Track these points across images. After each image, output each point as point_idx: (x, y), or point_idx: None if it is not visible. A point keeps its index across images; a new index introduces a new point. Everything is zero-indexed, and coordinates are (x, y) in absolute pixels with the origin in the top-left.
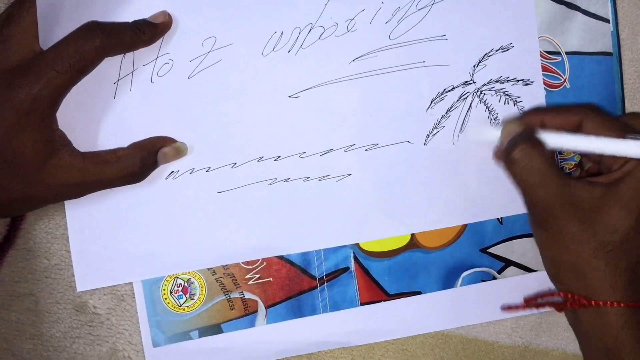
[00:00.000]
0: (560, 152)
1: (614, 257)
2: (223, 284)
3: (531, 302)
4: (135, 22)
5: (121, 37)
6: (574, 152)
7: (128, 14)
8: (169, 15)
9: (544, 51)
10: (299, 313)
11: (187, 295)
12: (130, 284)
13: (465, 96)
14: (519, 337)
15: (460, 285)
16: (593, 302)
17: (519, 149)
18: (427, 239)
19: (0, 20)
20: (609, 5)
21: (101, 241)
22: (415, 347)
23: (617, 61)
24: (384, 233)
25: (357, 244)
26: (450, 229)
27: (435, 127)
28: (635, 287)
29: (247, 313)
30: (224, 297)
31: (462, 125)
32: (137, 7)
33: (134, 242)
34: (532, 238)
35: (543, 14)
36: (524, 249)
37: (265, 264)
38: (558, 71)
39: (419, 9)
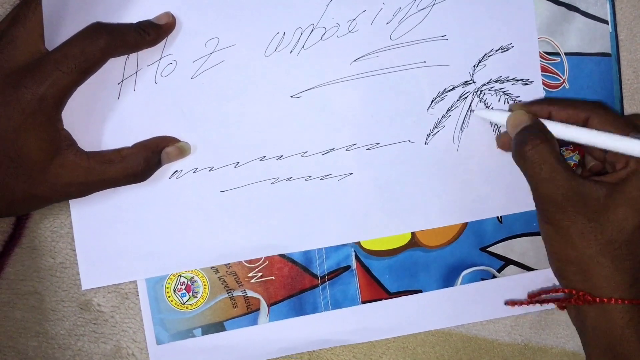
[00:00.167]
0: (562, 147)
1: (620, 255)
2: (226, 282)
3: (535, 297)
4: (139, 23)
5: (125, 38)
6: (579, 145)
7: (132, 15)
8: (172, 16)
9: (543, 52)
10: (300, 311)
11: (191, 294)
12: (134, 282)
13: (466, 96)
14: (519, 335)
15: (461, 284)
16: (598, 299)
17: (532, 144)
18: (427, 238)
19: (6, 21)
20: (608, 6)
21: (105, 240)
22: (416, 345)
23: (616, 62)
24: (384, 231)
25: (358, 243)
26: (451, 228)
27: (435, 127)
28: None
29: (250, 311)
30: (227, 295)
31: (462, 124)
32: (141, 8)
33: (137, 240)
34: (532, 237)
35: (542, 15)
36: (524, 248)
37: (267, 262)
38: (557, 72)
39: (419, 10)
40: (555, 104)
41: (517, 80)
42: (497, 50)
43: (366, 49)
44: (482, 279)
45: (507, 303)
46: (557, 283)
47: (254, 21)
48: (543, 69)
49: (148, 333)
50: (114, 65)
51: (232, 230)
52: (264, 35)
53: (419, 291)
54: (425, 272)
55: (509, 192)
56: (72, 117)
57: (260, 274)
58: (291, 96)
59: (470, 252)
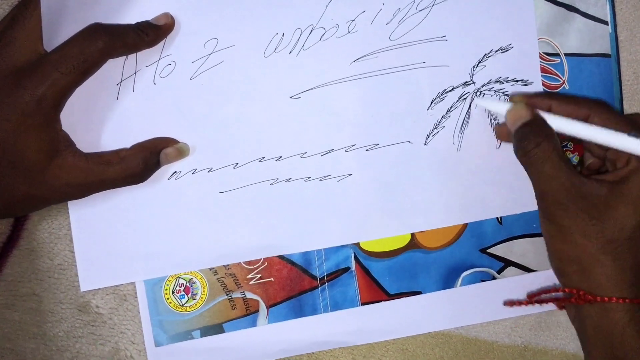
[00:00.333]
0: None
1: (621, 253)
2: (225, 283)
3: (534, 297)
4: (138, 24)
5: (124, 39)
6: (580, 141)
7: (131, 16)
8: (171, 17)
9: (543, 53)
10: (300, 313)
11: (189, 295)
12: (133, 284)
13: (465, 96)
14: (519, 337)
15: (460, 285)
16: (598, 298)
17: (535, 141)
18: (427, 239)
19: (4, 22)
20: (608, 7)
21: (104, 241)
22: (416, 346)
23: (616, 63)
24: (384, 232)
25: (358, 244)
26: (450, 229)
27: (435, 127)
28: None
29: (249, 313)
30: (226, 297)
31: (462, 125)
32: (140, 9)
33: (136, 242)
34: (532, 238)
35: (542, 15)
36: (524, 249)
37: (266, 264)
38: (557, 72)
39: (419, 10)
40: (556, 99)
41: (517, 81)
42: (496, 51)
43: (365, 50)
44: (482, 281)
45: (506, 303)
46: (557, 283)
47: (253, 22)
48: (543, 70)
49: (146, 335)
50: (113, 66)
51: (231, 232)
52: (263, 36)
53: (419, 293)
54: (425, 274)
55: (509, 193)
56: (71, 118)
57: (259, 276)
58: (290, 97)
59: (470, 253)
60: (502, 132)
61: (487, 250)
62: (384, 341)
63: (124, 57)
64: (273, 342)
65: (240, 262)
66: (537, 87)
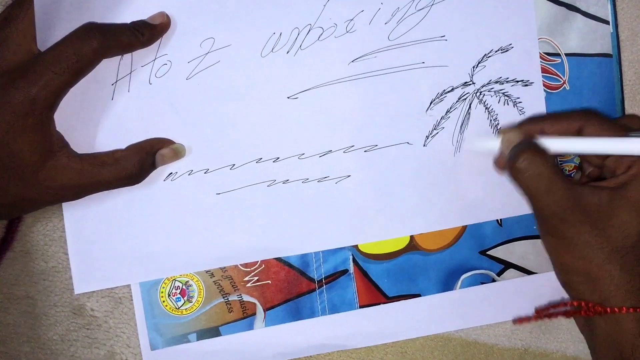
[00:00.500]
0: (561, 155)
1: (628, 262)
2: (221, 286)
3: (543, 313)
4: (133, 23)
5: (119, 39)
6: (578, 155)
7: (126, 15)
8: (167, 16)
9: (544, 52)
10: (297, 316)
11: (185, 298)
12: (128, 286)
13: (465, 97)
14: (519, 340)
15: (460, 288)
16: (609, 309)
17: (524, 157)
18: (426, 241)
19: None
20: (609, 6)
21: (99, 243)
22: (415, 349)
23: (617, 63)
24: (383, 234)
25: (356, 247)
26: (450, 231)
27: (434, 128)
28: None
29: (246, 316)
30: (222, 300)
31: (461, 126)
32: (135, 8)
33: (131, 244)
34: (532, 240)
35: (542, 15)
36: (524, 251)
37: (263, 266)
38: (558, 73)
39: (418, 10)
40: (546, 120)
41: (517, 81)
42: (496, 51)
43: (364, 50)
44: (482, 283)
45: (515, 321)
46: (558, 285)
47: (250, 21)
48: (543, 70)
49: (142, 338)
50: (108, 66)
51: (228, 234)
52: (260, 36)
53: (418, 295)
54: (424, 276)
55: (509, 194)
56: (65, 118)
57: (256, 278)
58: (288, 97)
59: (469, 255)
60: (502, 164)
61: (487, 252)
62: (383, 344)
63: (119, 56)
64: (270, 345)
65: (237, 265)
66: (537, 87)
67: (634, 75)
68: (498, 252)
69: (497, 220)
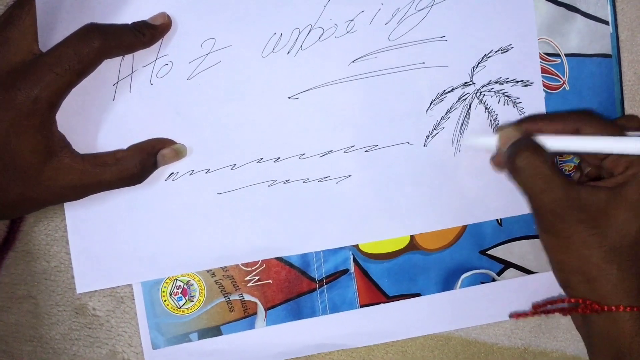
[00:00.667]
0: (560, 155)
1: (625, 260)
2: (222, 286)
3: (539, 308)
4: (134, 23)
5: (120, 39)
6: (576, 155)
7: (127, 16)
8: (168, 16)
9: (544, 53)
10: (298, 315)
11: (187, 297)
12: (130, 286)
13: (465, 97)
14: (519, 339)
15: (460, 287)
16: (606, 308)
17: (523, 155)
18: (426, 241)
19: None
20: (609, 7)
21: (101, 243)
22: (415, 349)
23: (617, 63)
24: (383, 234)
25: (357, 246)
26: (450, 230)
27: (434, 129)
28: None
29: (247, 315)
30: (224, 299)
31: (461, 126)
32: (136, 8)
33: (133, 244)
34: (532, 240)
35: (542, 15)
36: (524, 251)
37: (264, 266)
38: (557, 73)
39: (418, 10)
40: (544, 119)
41: (517, 82)
42: (496, 51)
43: (364, 50)
44: (482, 282)
45: (511, 315)
46: (557, 285)
47: (251, 22)
48: (543, 70)
49: (144, 337)
50: (109, 67)
51: (229, 233)
52: (261, 36)
53: (418, 295)
54: (424, 276)
55: (509, 194)
56: (67, 119)
57: (257, 278)
58: (289, 97)
59: (469, 255)
60: (499, 162)
61: (487, 252)
62: (383, 343)
63: (121, 57)
64: (271, 344)
65: (238, 264)
66: (537, 87)
67: (634, 76)
68: (498, 252)
69: (497, 220)
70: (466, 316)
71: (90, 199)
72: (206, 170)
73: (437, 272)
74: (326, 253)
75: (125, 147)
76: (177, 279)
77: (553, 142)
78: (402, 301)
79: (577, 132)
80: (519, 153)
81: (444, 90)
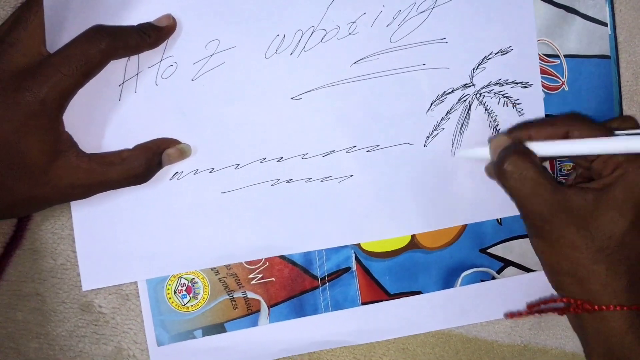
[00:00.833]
0: (552, 159)
1: (613, 261)
2: (226, 283)
3: (534, 308)
4: (140, 25)
5: (126, 41)
6: (566, 158)
7: (133, 18)
8: (173, 18)
9: (543, 54)
10: (301, 312)
11: (191, 295)
12: (135, 283)
13: (465, 98)
14: (518, 336)
15: (460, 285)
16: (596, 307)
17: (510, 160)
18: (427, 240)
19: (7, 24)
20: (607, 8)
21: (106, 241)
22: (416, 346)
23: (615, 64)
24: (385, 234)
25: (359, 245)
26: (450, 229)
27: (435, 129)
28: (637, 289)
29: (250, 312)
30: (227, 297)
31: (461, 127)
32: (142, 10)
33: (138, 242)
34: None
35: (542, 17)
36: (523, 249)
37: (267, 264)
38: (556, 74)
39: (419, 13)
40: (533, 126)
41: (517, 83)
42: (496, 53)
43: (366, 51)
44: (482, 280)
45: (507, 315)
46: None
47: (255, 23)
48: (542, 71)
49: (149, 334)
50: (115, 68)
51: (232, 232)
52: (264, 37)
53: (419, 292)
54: (425, 274)
55: None
56: (73, 119)
57: (260, 276)
58: (291, 98)
59: (469, 253)
60: (491, 170)
61: (487, 250)
62: (385, 341)
63: (126, 58)
64: (274, 341)
65: (241, 262)
66: (536, 89)
67: (632, 76)
68: (498, 250)
69: (497, 219)
70: (466, 314)
71: (96, 198)
72: (210, 170)
73: (437, 270)
74: (328, 251)
75: (130, 146)
76: (181, 277)
77: (541, 148)
78: (403, 299)
79: (566, 135)
80: (505, 158)
81: (444, 92)
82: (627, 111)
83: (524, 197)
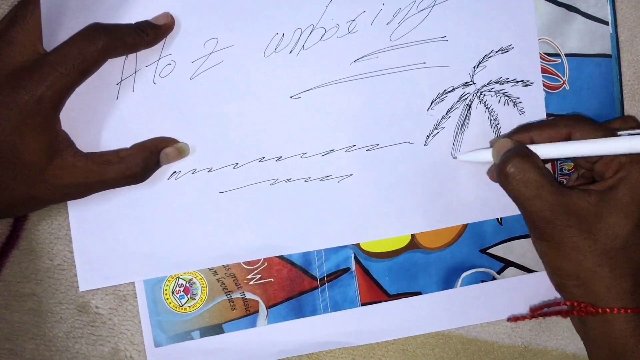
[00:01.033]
0: (554, 161)
1: (617, 263)
2: (224, 284)
3: (537, 311)
4: (138, 23)
5: (124, 39)
6: (568, 160)
7: (131, 16)
8: (171, 16)
9: (544, 53)
10: (299, 313)
11: (189, 296)
12: (132, 284)
13: (466, 97)
14: (519, 337)
15: (460, 286)
16: (600, 310)
17: (512, 162)
18: (427, 240)
19: (4, 22)
20: (608, 7)
21: (104, 241)
22: (416, 347)
23: (616, 63)
24: (384, 233)
25: (358, 245)
26: (450, 229)
27: (435, 128)
28: None
29: (248, 313)
30: (225, 298)
31: (462, 125)
32: (140, 8)
33: (136, 242)
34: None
35: (543, 16)
36: (524, 250)
37: (266, 264)
38: (557, 73)
39: (419, 11)
40: (535, 128)
41: (518, 82)
42: (497, 52)
43: (366, 50)
44: (482, 281)
45: (509, 319)
46: None
47: (253, 21)
48: (543, 70)
49: (146, 335)
50: (113, 66)
51: (230, 232)
52: (263, 36)
53: (419, 293)
54: (425, 274)
55: None
56: (71, 118)
57: (259, 276)
58: (290, 97)
59: (470, 253)
60: (493, 173)
61: (487, 251)
62: (384, 342)
63: (124, 57)
64: (273, 342)
65: (240, 263)
66: (537, 87)
67: (633, 75)
68: (498, 251)
69: (498, 219)
70: (466, 314)
71: (93, 197)
72: (208, 169)
73: (437, 271)
74: (327, 252)
75: (128, 145)
76: (179, 277)
77: (543, 150)
78: (402, 300)
79: (569, 137)
80: (507, 161)
81: (445, 90)
82: (628, 110)
83: (526, 199)
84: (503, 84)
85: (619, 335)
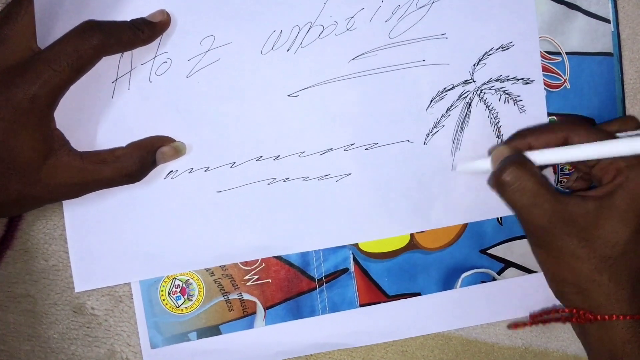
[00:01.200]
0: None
1: (616, 270)
2: (222, 285)
3: (537, 318)
4: (133, 20)
5: (119, 36)
6: (567, 164)
7: (126, 13)
8: (167, 13)
9: (545, 51)
10: (297, 314)
11: (186, 297)
12: (128, 285)
13: (465, 95)
14: (519, 339)
15: (460, 287)
16: (599, 317)
17: (509, 171)
18: (426, 240)
19: None
20: (610, 5)
21: (99, 242)
22: (415, 348)
23: (618, 61)
24: (383, 233)
25: (357, 245)
26: (450, 229)
27: (435, 127)
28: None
29: (246, 314)
30: (223, 299)
31: (462, 124)
32: (135, 5)
33: (132, 242)
34: None
35: (544, 14)
36: (524, 250)
37: (264, 265)
38: (558, 71)
39: (418, 8)
40: (532, 134)
41: (518, 80)
42: (497, 49)
43: (364, 48)
44: (482, 282)
45: (510, 326)
46: None
47: (251, 19)
48: (544, 69)
49: (142, 337)
50: (108, 64)
51: (228, 232)
52: (260, 33)
53: (418, 294)
54: (425, 275)
55: None
56: (65, 116)
57: (256, 277)
58: (288, 95)
59: (470, 254)
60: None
61: (487, 251)
62: (383, 343)
63: (119, 54)
64: (270, 344)
65: (237, 263)
66: (538, 85)
67: (635, 74)
68: (498, 251)
69: (498, 218)
70: (466, 315)
71: (88, 197)
72: (205, 168)
73: (437, 272)
74: (326, 252)
75: (124, 144)
76: (175, 278)
77: (541, 156)
78: (402, 300)
79: (565, 141)
80: (503, 169)
81: (445, 88)
82: (629, 109)
83: (523, 207)
84: (503, 81)
85: (618, 341)
